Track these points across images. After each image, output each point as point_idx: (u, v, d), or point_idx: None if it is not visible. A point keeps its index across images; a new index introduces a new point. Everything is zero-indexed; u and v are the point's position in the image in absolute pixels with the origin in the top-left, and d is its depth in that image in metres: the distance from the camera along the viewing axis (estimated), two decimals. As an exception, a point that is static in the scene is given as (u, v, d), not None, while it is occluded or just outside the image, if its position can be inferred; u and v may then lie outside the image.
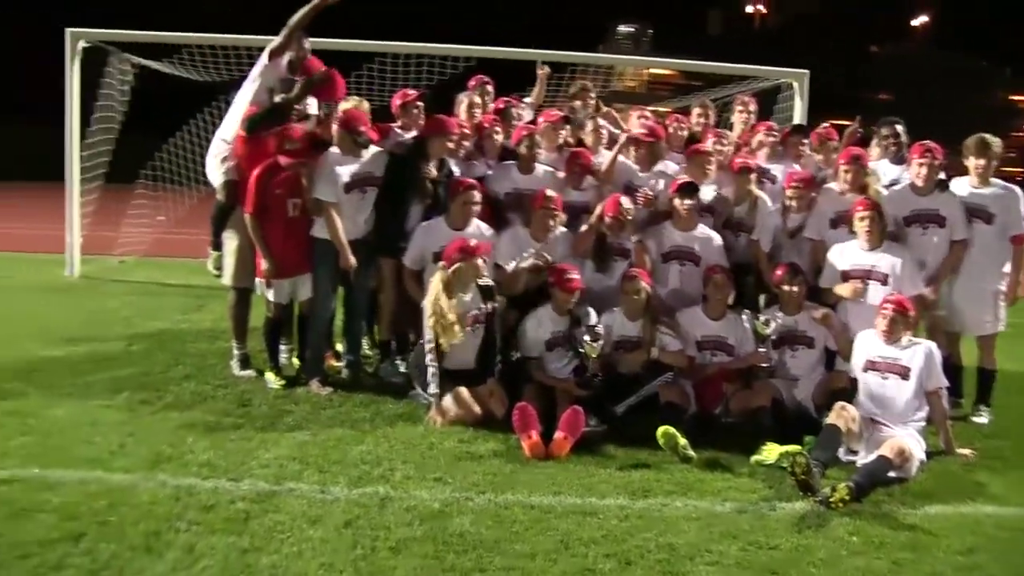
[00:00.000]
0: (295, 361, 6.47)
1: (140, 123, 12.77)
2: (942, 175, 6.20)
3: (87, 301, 9.34)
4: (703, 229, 6.24)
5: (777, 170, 6.71)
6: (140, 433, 4.94)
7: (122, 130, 11.98)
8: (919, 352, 5.28)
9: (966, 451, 5.38)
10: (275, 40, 6.35)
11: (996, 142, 6.26)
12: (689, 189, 6.10)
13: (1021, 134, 71.40)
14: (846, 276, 5.93)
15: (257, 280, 6.09)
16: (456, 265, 5.56)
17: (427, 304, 5.57)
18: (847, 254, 5.98)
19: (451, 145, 6.32)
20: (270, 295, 6.09)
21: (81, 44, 10.89)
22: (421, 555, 3.61)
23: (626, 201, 6.07)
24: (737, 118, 7.44)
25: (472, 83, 7.42)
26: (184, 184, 12.33)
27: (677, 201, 6.12)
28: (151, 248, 12.74)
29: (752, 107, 7.48)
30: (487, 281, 5.80)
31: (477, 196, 6.02)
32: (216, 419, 5.28)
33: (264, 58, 6.37)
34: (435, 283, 5.57)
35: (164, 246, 13.22)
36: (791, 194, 6.24)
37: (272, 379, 6.08)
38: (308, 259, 6.10)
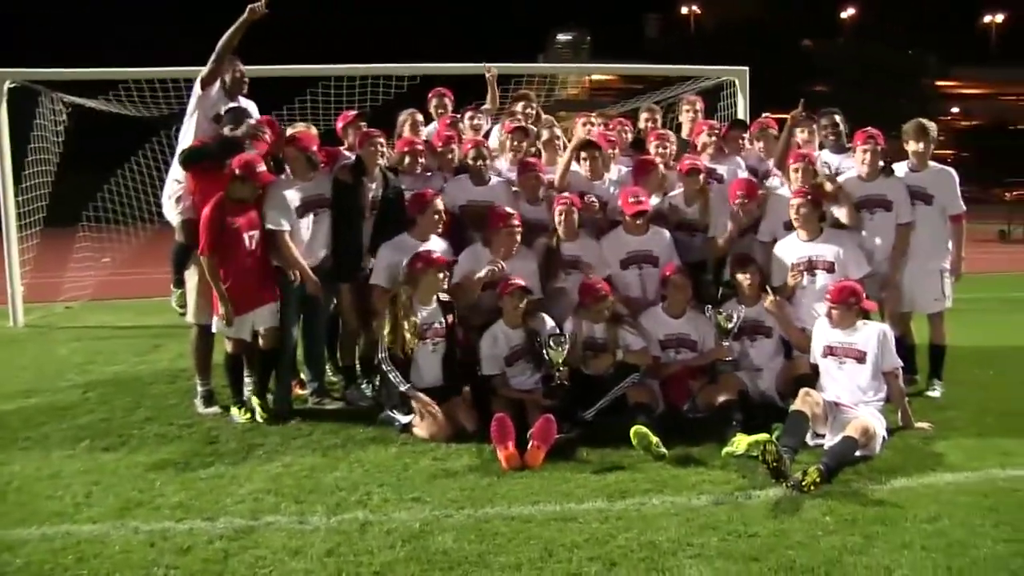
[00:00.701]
0: (255, 400, 6.30)
1: (78, 163, 12.51)
2: (884, 160, 6.38)
3: (35, 351, 9.07)
4: (655, 229, 6.31)
5: (723, 169, 6.84)
6: (105, 481, 4.80)
7: (59, 171, 11.69)
8: (873, 335, 5.43)
9: (924, 424, 5.55)
10: (204, 68, 6.25)
11: (932, 127, 6.51)
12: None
13: (948, 118, 73.69)
14: (793, 270, 6.08)
15: (215, 319, 5.99)
16: (417, 276, 5.63)
17: (384, 320, 5.62)
18: (790, 248, 6.13)
19: (411, 161, 6.42)
20: (230, 332, 5.99)
21: (7, 84, 10.55)
22: (406, 576, 3.60)
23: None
24: (685, 117, 7.57)
25: (431, 96, 7.45)
26: (129, 223, 12.11)
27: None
28: (98, 291, 12.46)
29: (699, 106, 7.63)
30: (446, 296, 5.84)
31: (439, 205, 6.07)
32: (184, 459, 5.17)
33: (197, 89, 6.29)
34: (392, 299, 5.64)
35: (112, 288, 12.95)
36: (738, 203, 6.32)
37: (237, 414, 5.99)
38: (268, 289, 6.02)
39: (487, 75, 8.14)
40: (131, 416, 6.17)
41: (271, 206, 5.96)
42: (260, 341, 6.08)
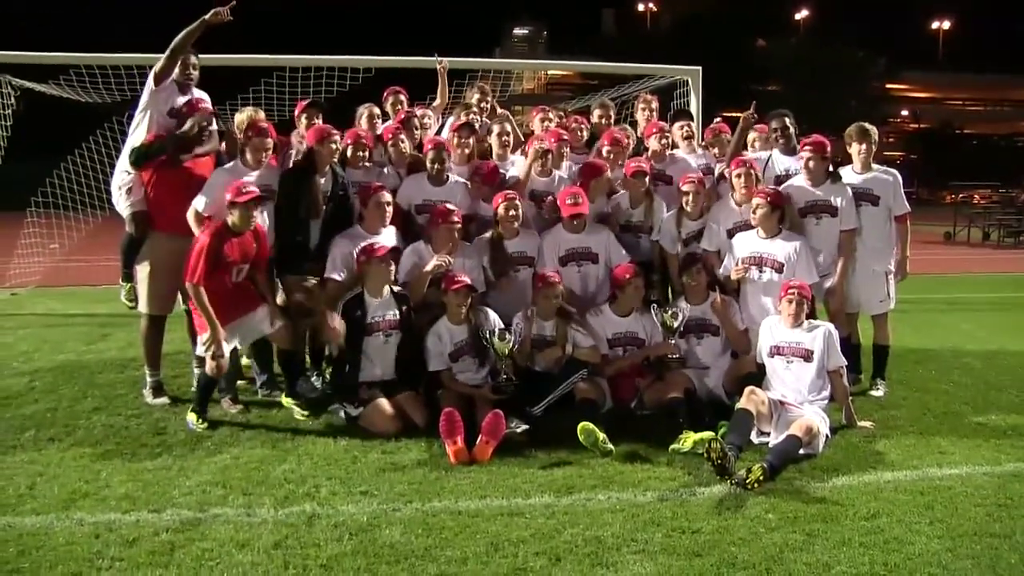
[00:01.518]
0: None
1: (26, 148, 12.23)
2: (830, 167, 6.51)
3: (-20, 338, 8.90)
4: (593, 226, 6.37)
5: (673, 170, 6.92)
6: (50, 472, 4.74)
7: (6, 156, 11.46)
8: (819, 335, 5.56)
9: (866, 423, 5.70)
10: (158, 63, 6.19)
11: (873, 129, 6.68)
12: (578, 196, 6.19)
13: (898, 121, 75.25)
14: (743, 263, 6.16)
15: (199, 342, 5.78)
16: (363, 270, 5.68)
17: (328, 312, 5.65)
18: (745, 242, 6.22)
19: (356, 154, 6.38)
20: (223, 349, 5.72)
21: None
22: (353, 570, 3.62)
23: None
24: (641, 116, 7.61)
25: (386, 94, 7.41)
26: (78, 209, 11.87)
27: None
28: (46, 278, 12.26)
29: (655, 104, 7.67)
30: (400, 288, 5.87)
31: (387, 197, 6.06)
32: (132, 450, 5.13)
33: (150, 83, 6.21)
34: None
35: (60, 275, 12.74)
36: (687, 188, 6.39)
37: (194, 420, 5.71)
38: (248, 300, 5.86)
39: (438, 67, 8.07)
40: (78, 406, 6.09)
41: (210, 189, 5.88)
42: (275, 345, 5.98)
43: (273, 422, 5.73)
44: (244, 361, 6.69)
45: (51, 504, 4.29)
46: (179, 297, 6.25)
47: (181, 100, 6.24)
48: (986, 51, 79.11)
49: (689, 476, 4.77)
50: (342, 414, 5.69)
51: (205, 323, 5.62)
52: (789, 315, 5.59)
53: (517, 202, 6.17)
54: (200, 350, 5.77)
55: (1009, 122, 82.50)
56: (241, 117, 6.39)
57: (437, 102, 7.93)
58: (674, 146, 7.17)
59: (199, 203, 5.82)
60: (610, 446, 5.05)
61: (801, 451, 5.05)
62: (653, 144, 6.97)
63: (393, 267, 5.83)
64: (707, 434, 5.01)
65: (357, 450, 5.17)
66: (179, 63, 6.24)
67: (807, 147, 6.41)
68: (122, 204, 6.24)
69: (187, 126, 5.97)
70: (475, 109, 7.29)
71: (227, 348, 5.67)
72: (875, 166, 6.63)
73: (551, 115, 7.47)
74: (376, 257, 5.71)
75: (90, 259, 13.97)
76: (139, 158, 5.94)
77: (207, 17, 6.10)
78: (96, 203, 11.03)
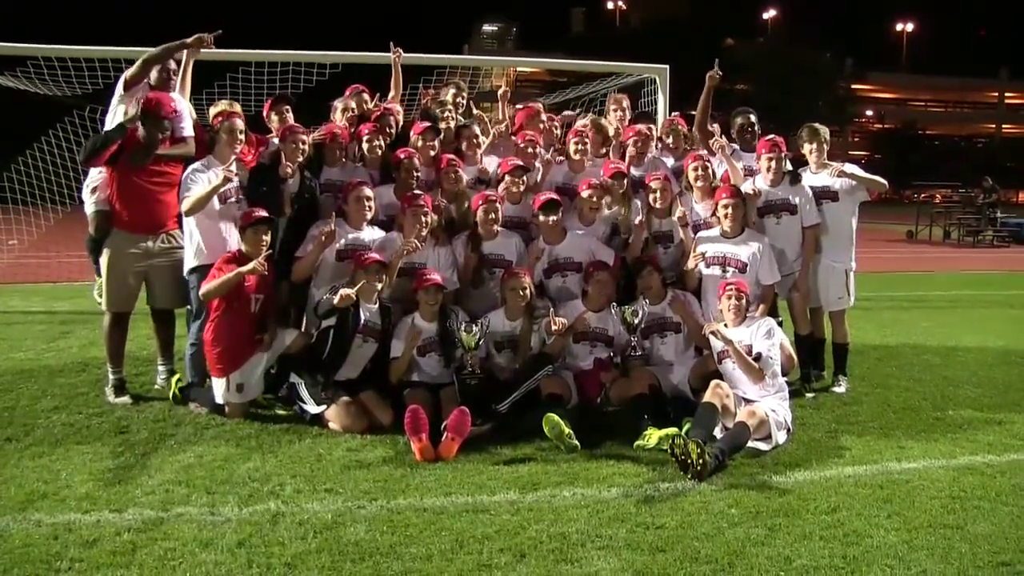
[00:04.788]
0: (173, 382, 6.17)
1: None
2: (789, 166, 6.60)
3: (-65, 336, 8.71)
4: (572, 234, 6.36)
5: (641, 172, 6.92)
6: (7, 473, 4.66)
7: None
8: (761, 329, 5.64)
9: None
10: (129, 70, 6.16)
11: (824, 129, 6.79)
12: (551, 206, 6.21)
13: (863, 121, 76.29)
14: (700, 257, 6.20)
15: (220, 391, 5.73)
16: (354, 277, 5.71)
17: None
18: (708, 243, 6.27)
19: (334, 152, 6.37)
20: (239, 399, 5.74)
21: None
22: (317, 568, 3.61)
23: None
24: (612, 116, 7.62)
25: (348, 92, 7.36)
26: (37, 205, 11.67)
27: (542, 218, 6.22)
28: (5, 275, 12.04)
29: (625, 103, 7.70)
30: (387, 303, 5.93)
31: (368, 192, 6.05)
32: (92, 450, 5.06)
33: (120, 88, 6.16)
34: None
35: (20, 271, 12.52)
36: (654, 186, 6.43)
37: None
38: (254, 343, 5.83)
39: (393, 56, 7.83)
40: (36, 405, 5.99)
41: (191, 185, 5.85)
42: (292, 350, 5.89)
43: (238, 420, 5.68)
44: None
45: (7, 506, 4.21)
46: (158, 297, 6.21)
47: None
48: (947, 54, 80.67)
49: (653, 472, 4.80)
50: (305, 412, 5.64)
51: (218, 368, 5.68)
52: (730, 312, 5.67)
53: (497, 204, 6.16)
54: (224, 397, 5.72)
55: (969, 123, 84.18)
56: (216, 111, 6.35)
57: (392, 93, 7.76)
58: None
59: (184, 205, 5.80)
60: (575, 441, 5.08)
61: (758, 442, 5.15)
62: (630, 149, 6.93)
63: (379, 284, 5.80)
64: (672, 430, 5.07)
65: (322, 448, 5.15)
66: (149, 74, 6.22)
67: (765, 147, 6.49)
68: (88, 201, 6.19)
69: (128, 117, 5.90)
70: (450, 106, 7.23)
71: (241, 396, 5.73)
72: (830, 163, 6.69)
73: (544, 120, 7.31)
74: (363, 268, 5.70)
75: (50, 255, 13.75)
76: (85, 159, 5.88)
77: (189, 41, 6.08)
78: (57, 198, 10.86)
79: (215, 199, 5.83)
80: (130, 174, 5.89)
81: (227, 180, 5.71)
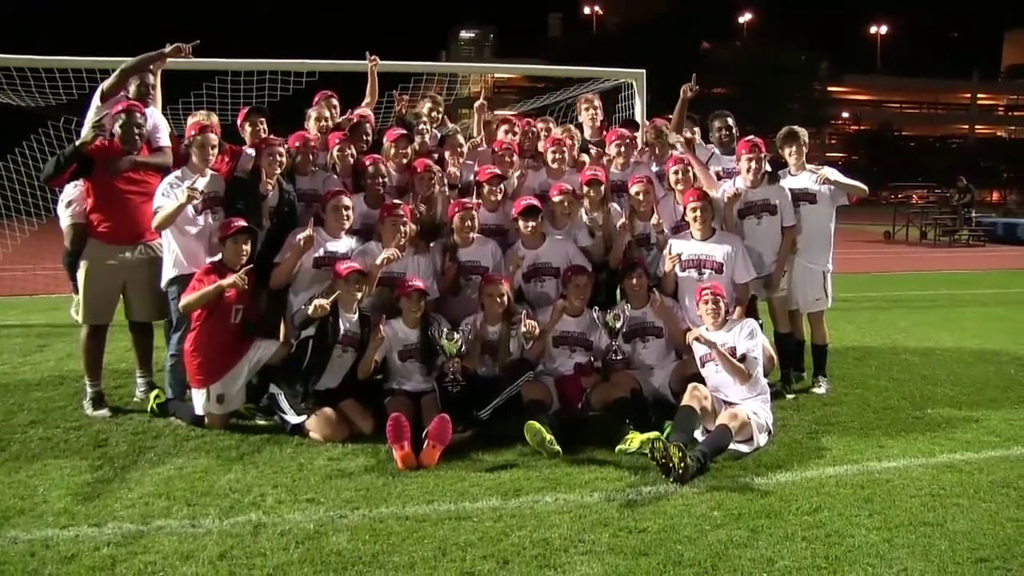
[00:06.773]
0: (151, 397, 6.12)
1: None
2: (768, 167, 6.64)
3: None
4: (551, 239, 6.38)
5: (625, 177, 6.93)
6: (-17, 489, 4.60)
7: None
8: (744, 331, 5.66)
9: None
10: (106, 81, 6.12)
11: (803, 131, 6.84)
12: (531, 211, 6.21)
13: (839, 123, 77.00)
14: (676, 260, 6.22)
15: (201, 401, 5.70)
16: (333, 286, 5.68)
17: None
18: (683, 244, 6.30)
19: (306, 160, 6.35)
20: (219, 410, 5.71)
21: None
22: (300, 578, 3.59)
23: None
24: (585, 116, 7.65)
25: (316, 98, 7.33)
26: (12, 217, 11.54)
27: (522, 223, 6.23)
28: (-22, 288, 11.90)
29: (597, 102, 7.72)
30: (367, 312, 5.91)
31: (347, 201, 6.04)
32: (70, 464, 5.00)
33: (96, 100, 6.12)
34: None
35: (-6, 284, 12.39)
36: (636, 189, 6.46)
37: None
38: (235, 353, 5.78)
39: (369, 64, 7.81)
40: (13, 419, 5.92)
41: (165, 194, 5.83)
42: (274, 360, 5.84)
43: (218, 431, 5.63)
44: None
45: (-16, 522, 4.15)
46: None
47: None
48: (921, 56, 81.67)
49: (635, 476, 4.81)
50: (285, 423, 5.59)
51: (199, 379, 5.66)
52: (708, 316, 5.69)
53: (473, 212, 6.17)
54: (205, 407, 5.70)
55: (944, 124, 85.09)
56: (192, 120, 6.31)
57: (367, 100, 7.74)
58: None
59: (155, 221, 5.78)
60: (557, 447, 5.07)
61: (740, 444, 5.17)
62: (613, 153, 6.93)
63: (359, 293, 5.79)
64: (653, 434, 5.08)
65: (303, 457, 5.12)
66: (136, 83, 6.18)
67: (745, 148, 6.53)
68: (64, 215, 6.14)
69: (85, 130, 5.86)
70: (425, 119, 7.21)
71: (222, 407, 5.71)
72: (809, 166, 6.77)
73: (517, 128, 7.28)
74: (343, 278, 5.69)
75: (26, 268, 13.60)
76: (47, 176, 5.83)
77: (167, 51, 6.04)
78: (32, 210, 10.74)
79: (189, 209, 5.79)
80: (108, 182, 5.84)
81: (191, 199, 5.67)
